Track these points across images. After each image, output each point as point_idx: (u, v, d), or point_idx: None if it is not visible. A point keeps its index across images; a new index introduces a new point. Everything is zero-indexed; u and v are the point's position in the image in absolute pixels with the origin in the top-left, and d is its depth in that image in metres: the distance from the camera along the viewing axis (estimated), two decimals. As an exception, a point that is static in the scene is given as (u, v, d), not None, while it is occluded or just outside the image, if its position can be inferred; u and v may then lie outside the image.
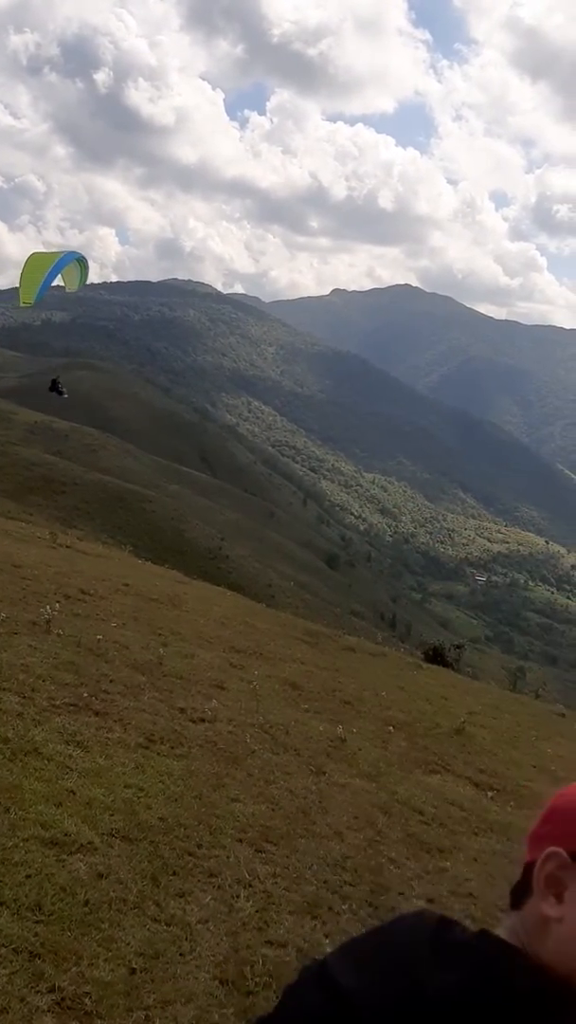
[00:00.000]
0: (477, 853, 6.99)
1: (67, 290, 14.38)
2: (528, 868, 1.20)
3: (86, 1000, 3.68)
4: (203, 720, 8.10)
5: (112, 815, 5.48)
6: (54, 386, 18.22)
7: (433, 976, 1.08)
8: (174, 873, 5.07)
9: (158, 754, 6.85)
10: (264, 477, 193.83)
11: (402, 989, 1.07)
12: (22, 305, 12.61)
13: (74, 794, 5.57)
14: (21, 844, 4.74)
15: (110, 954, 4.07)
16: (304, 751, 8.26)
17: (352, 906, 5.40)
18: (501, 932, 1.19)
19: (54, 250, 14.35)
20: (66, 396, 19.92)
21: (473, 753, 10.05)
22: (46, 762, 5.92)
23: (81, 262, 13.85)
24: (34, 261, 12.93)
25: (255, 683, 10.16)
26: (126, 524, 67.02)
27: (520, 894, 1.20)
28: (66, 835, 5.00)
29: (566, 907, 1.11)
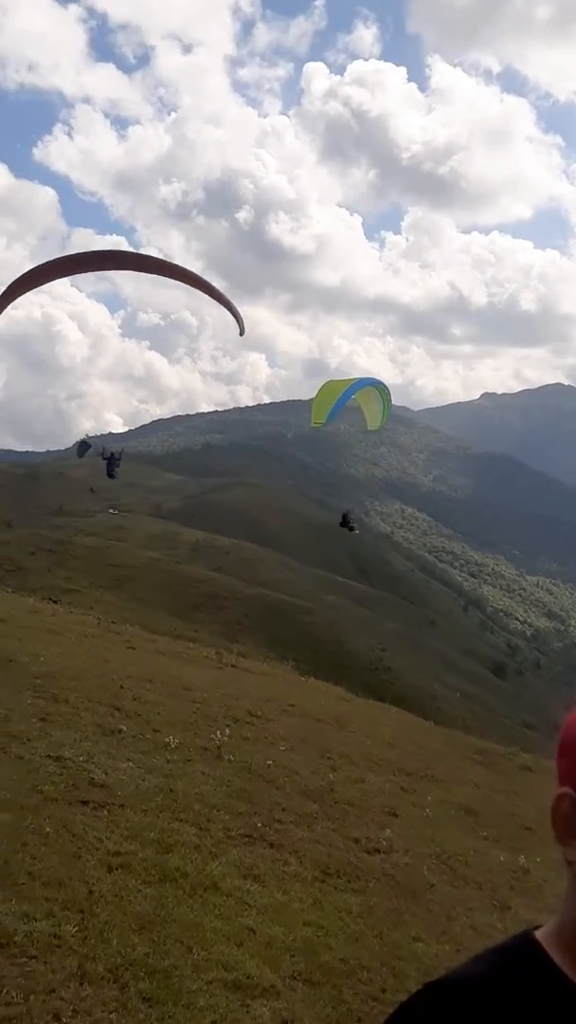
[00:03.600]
0: None
1: (369, 428, 14.47)
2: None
3: None
4: (378, 851, 7.89)
5: (293, 956, 5.38)
6: (345, 522, 19.20)
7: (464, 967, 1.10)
8: (359, 1020, 4.89)
9: (335, 888, 6.71)
10: (422, 584, 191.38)
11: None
12: (313, 426, 13.14)
13: (254, 933, 5.52)
14: (205, 987, 4.72)
15: None
16: (486, 884, 7.87)
17: None
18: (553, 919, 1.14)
19: (348, 377, 14.17)
20: (357, 532, 20.97)
21: None
22: (225, 898, 5.91)
23: (381, 390, 13.59)
24: (328, 387, 13.27)
25: (428, 809, 9.84)
26: (287, 637, 67.52)
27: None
28: (248, 977, 4.94)
29: None
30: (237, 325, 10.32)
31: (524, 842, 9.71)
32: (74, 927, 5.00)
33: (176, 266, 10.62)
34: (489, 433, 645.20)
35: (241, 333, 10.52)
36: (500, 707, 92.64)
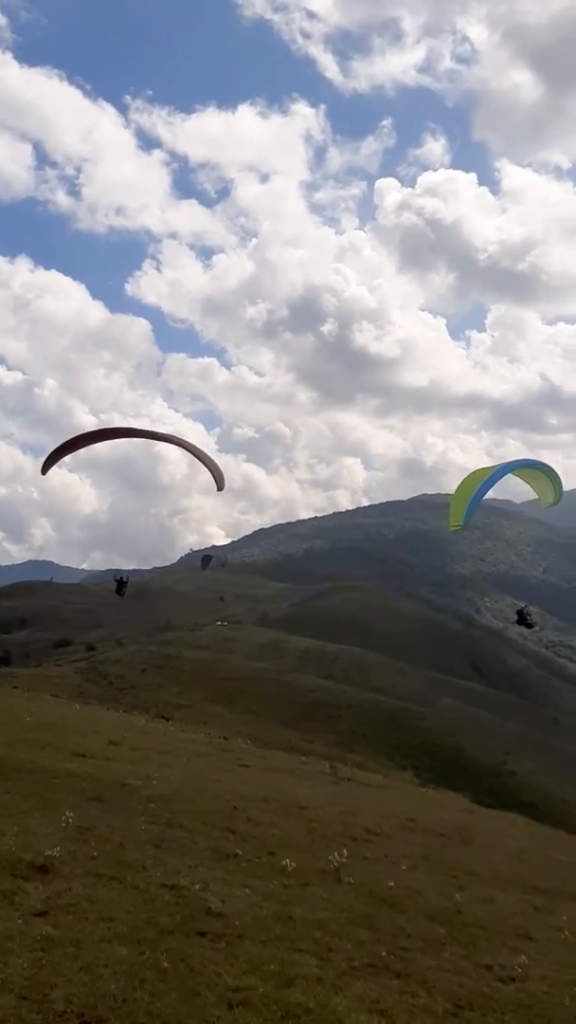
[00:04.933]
0: None
1: (543, 505, 13.99)
2: None
3: None
4: (513, 979, 7.38)
5: None
6: (522, 618, 19.17)
7: None
8: None
9: (468, 1023, 6.28)
10: (542, 681, 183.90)
11: None
12: (451, 530, 12.94)
13: (384, 1077, 5.19)
14: None
15: None
16: None
17: None
18: None
19: (487, 466, 13.13)
20: (536, 627, 20.88)
21: None
22: (351, 1036, 5.61)
23: (542, 469, 13.11)
24: (465, 484, 12.81)
25: (567, 931, 9.19)
26: (403, 744, 65.61)
27: None
28: None
29: None
30: (215, 482, 11.28)
31: None
32: (195, 1072, 4.81)
33: (159, 433, 12.88)
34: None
35: (220, 488, 11.59)
36: None
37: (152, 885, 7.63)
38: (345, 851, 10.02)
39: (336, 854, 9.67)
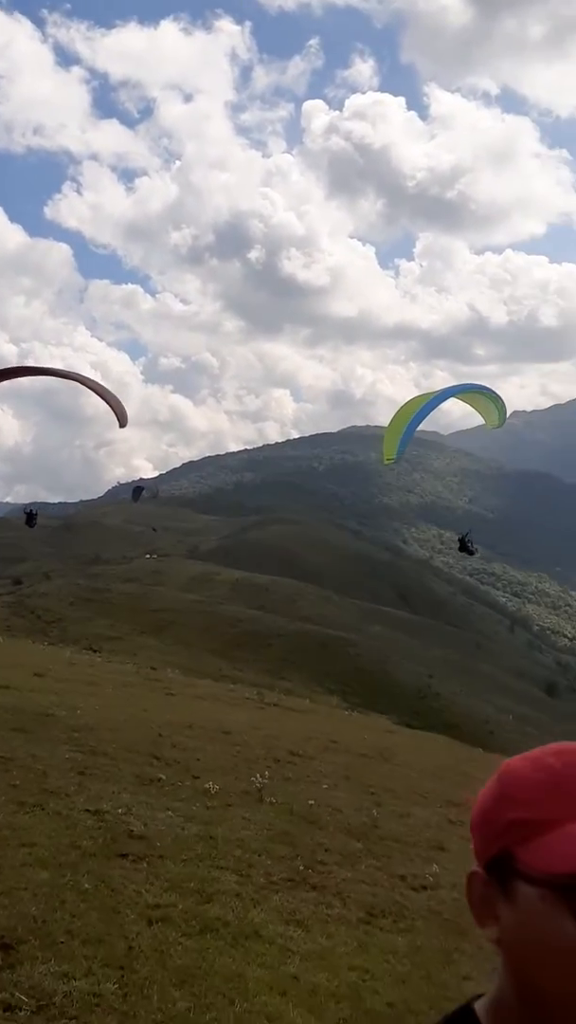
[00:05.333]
0: None
1: (488, 427, 13.50)
2: None
3: None
4: (425, 887, 7.75)
5: (338, 1003, 5.28)
6: (463, 546, 18.65)
7: None
8: (408, 1069, 4.77)
9: (381, 929, 6.59)
10: (466, 608, 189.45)
11: None
12: (385, 463, 12.49)
13: (298, 980, 5.43)
14: (248, 1040, 4.65)
15: None
16: (538, 916, 7.67)
17: None
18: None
19: (422, 394, 12.63)
20: (478, 553, 20.17)
21: None
22: (267, 945, 5.83)
23: (488, 395, 12.65)
24: (399, 415, 12.21)
25: (477, 840, 9.66)
26: (333, 670, 67.06)
27: None
28: (292, 1028, 4.85)
29: (501, 925, 1.02)
30: (117, 419, 11.00)
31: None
32: (114, 984, 4.95)
33: (53, 368, 12.54)
34: (521, 451, 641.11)
35: (122, 425, 11.29)
36: (555, 726, 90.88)
37: (75, 811, 7.72)
38: (267, 773, 10.28)
39: (259, 776, 9.91)
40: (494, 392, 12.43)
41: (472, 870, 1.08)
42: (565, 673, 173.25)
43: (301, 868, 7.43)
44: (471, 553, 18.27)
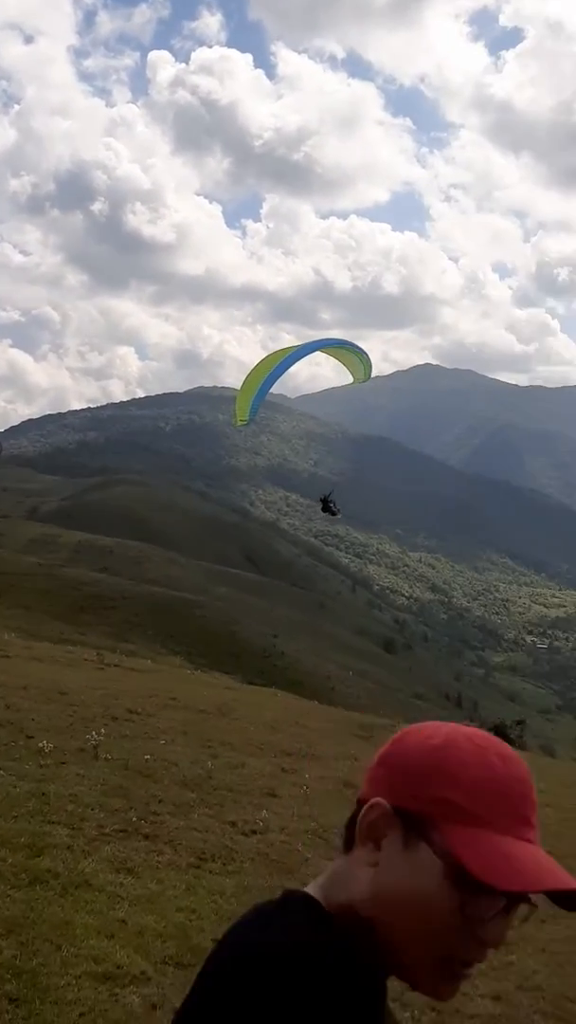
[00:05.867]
0: (545, 943, 6.80)
1: (355, 382, 12.86)
2: (358, 803, 1.24)
3: None
4: (255, 832, 8.07)
5: (164, 942, 5.49)
6: (326, 506, 17.68)
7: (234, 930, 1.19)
8: (229, 996, 5.03)
9: (209, 872, 6.84)
10: (310, 569, 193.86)
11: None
12: (236, 425, 11.84)
13: (125, 924, 5.59)
14: (74, 982, 4.77)
15: None
16: (360, 853, 8.16)
17: (414, 1013, 5.30)
18: (322, 875, 1.26)
19: (279, 349, 11.86)
20: (339, 516, 19.14)
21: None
22: (96, 893, 5.96)
23: (353, 350, 11.94)
24: (254, 372, 11.38)
25: (307, 787, 10.10)
26: (178, 632, 67.17)
27: (349, 834, 1.24)
28: (118, 968, 5.01)
29: (382, 854, 1.16)
30: None
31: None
32: None
33: None
34: (364, 416, 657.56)
35: None
36: (392, 682, 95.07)
37: None
38: (104, 730, 10.33)
39: (95, 734, 9.95)
40: (359, 348, 11.98)
41: (377, 800, 1.18)
42: (402, 630, 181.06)
43: (134, 819, 7.58)
44: (334, 514, 17.59)
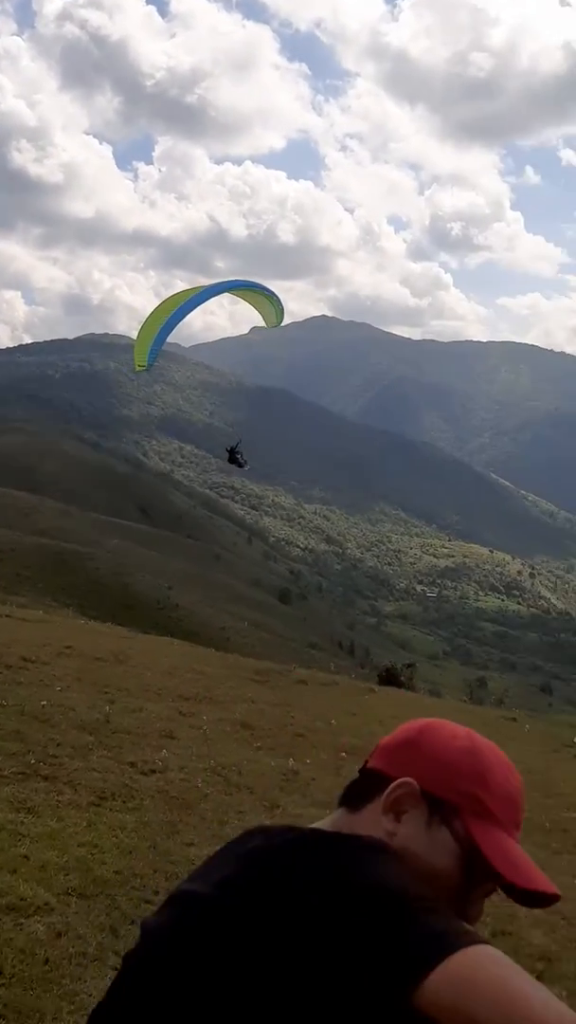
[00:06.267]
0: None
1: (268, 326, 12.10)
2: (368, 772, 1.45)
3: (50, 1053, 3.82)
4: (154, 771, 8.23)
5: (67, 875, 5.61)
6: (233, 457, 16.43)
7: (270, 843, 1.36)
8: (132, 922, 5.20)
9: (110, 810, 6.97)
10: (205, 520, 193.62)
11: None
12: (136, 370, 11.09)
13: (28, 859, 5.68)
14: (-23, 915, 4.85)
15: (73, 1007, 4.22)
16: (257, 788, 8.44)
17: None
18: (326, 823, 1.44)
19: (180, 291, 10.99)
20: (247, 467, 18.14)
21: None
22: (-3, 833, 6.01)
23: (264, 293, 11.39)
24: (154, 314, 10.91)
25: (205, 728, 10.32)
26: (70, 585, 66.31)
27: (356, 796, 1.45)
28: (22, 900, 5.11)
29: (401, 826, 1.36)
30: None
31: (295, 748, 10.42)
32: None
33: None
34: (260, 366, 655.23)
35: None
36: (287, 632, 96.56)
37: None
38: (-2, 678, 10.25)
39: (-11, 681, 9.87)
40: (270, 290, 11.58)
41: (408, 780, 1.37)
42: (297, 581, 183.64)
43: (33, 762, 7.62)
44: (241, 466, 16.68)
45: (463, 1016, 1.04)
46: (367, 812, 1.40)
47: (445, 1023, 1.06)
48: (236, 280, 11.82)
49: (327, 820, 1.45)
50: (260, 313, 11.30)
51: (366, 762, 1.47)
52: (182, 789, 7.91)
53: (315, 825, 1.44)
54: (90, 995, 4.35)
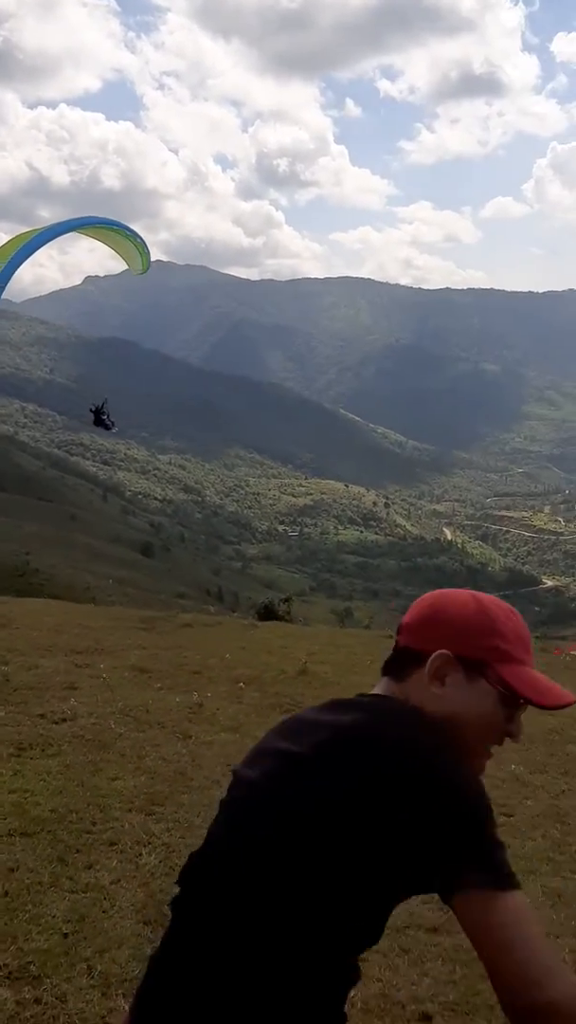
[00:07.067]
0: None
1: (134, 273, 10.77)
2: (403, 650, 1.78)
3: (31, 967, 4.11)
4: (64, 720, 8.42)
5: (5, 819, 5.82)
6: (99, 419, 15.06)
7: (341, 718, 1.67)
8: (78, 851, 5.50)
9: (31, 758, 7.16)
10: (57, 481, 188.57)
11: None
12: None
13: (-37, 811, 5.84)
14: None
15: (40, 927, 4.50)
16: (167, 723, 8.78)
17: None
18: (377, 691, 1.80)
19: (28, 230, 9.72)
20: (115, 430, 16.64)
21: (318, 687, 10.92)
22: None
23: (127, 235, 10.18)
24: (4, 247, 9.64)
25: (105, 676, 10.52)
26: None
27: (397, 668, 1.78)
28: (-33, 846, 5.30)
29: (447, 689, 1.71)
30: None
31: (195, 684, 10.77)
32: None
33: None
34: (98, 317, 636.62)
35: None
36: (153, 585, 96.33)
37: None
38: None
39: None
40: (131, 230, 10.43)
41: (443, 651, 1.69)
42: (158, 533, 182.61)
43: None
44: (108, 428, 15.60)
45: (478, 942, 1.36)
46: (412, 681, 1.74)
47: (463, 929, 1.39)
48: (91, 217, 10.71)
49: (380, 686, 1.81)
50: (122, 257, 10.36)
51: (397, 642, 1.81)
52: (96, 732, 8.15)
53: (376, 690, 1.80)
54: (53, 916, 4.65)
